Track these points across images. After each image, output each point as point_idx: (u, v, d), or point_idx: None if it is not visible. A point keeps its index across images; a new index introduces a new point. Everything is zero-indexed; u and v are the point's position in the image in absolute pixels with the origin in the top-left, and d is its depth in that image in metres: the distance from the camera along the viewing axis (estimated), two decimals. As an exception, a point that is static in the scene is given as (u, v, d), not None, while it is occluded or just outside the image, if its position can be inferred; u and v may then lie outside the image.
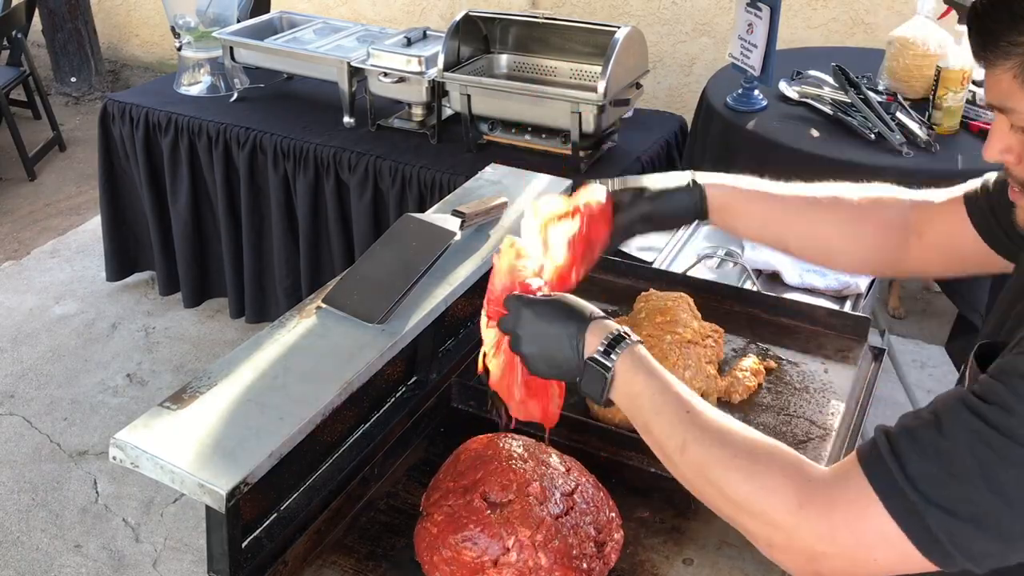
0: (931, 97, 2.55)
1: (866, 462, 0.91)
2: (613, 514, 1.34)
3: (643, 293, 1.80)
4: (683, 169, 3.07)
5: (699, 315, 1.75)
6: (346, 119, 3.17)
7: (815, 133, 2.51)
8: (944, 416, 0.88)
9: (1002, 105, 0.96)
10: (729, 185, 1.38)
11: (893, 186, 1.38)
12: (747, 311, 1.92)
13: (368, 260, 1.49)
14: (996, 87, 0.95)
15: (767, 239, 1.43)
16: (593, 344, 1.09)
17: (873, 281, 2.11)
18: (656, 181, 1.38)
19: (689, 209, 1.37)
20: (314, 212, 3.16)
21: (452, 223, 1.53)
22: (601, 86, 2.62)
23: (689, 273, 2.03)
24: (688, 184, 1.37)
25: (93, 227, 4.37)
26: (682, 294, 1.78)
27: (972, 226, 1.25)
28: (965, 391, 0.89)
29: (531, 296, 1.17)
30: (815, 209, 1.35)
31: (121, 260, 3.74)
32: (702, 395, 1.62)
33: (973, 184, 1.28)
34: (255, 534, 1.26)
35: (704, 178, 1.38)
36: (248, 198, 3.27)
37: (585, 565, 1.25)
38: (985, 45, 0.93)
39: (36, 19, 5.35)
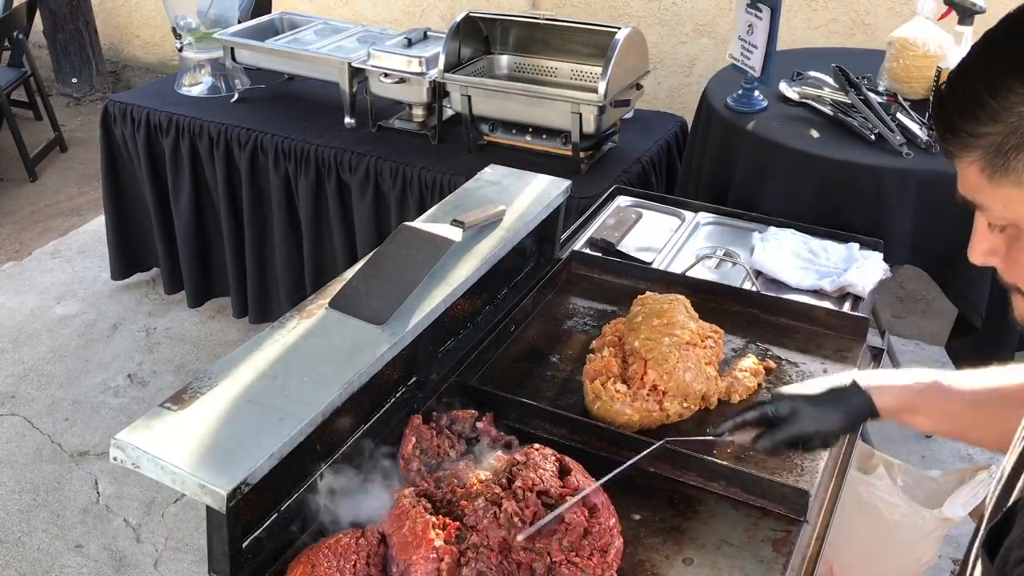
0: (931, 98, 2.55)
1: None
2: (613, 520, 1.34)
3: (639, 296, 1.80)
4: (683, 169, 3.07)
5: (696, 316, 1.75)
6: (347, 120, 3.17)
7: (815, 134, 2.51)
8: None
9: (974, 200, 0.87)
10: (898, 386, 1.27)
11: None
12: (746, 311, 1.92)
13: (371, 267, 1.50)
14: (965, 181, 0.86)
15: (949, 433, 1.34)
16: None
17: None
18: (815, 387, 1.31)
19: (857, 413, 1.28)
20: (316, 212, 3.17)
21: (453, 232, 1.55)
22: (601, 87, 2.62)
23: (688, 273, 2.04)
24: (851, 385, 1.29)
25: (94, 228, 4.38)
26: (678, 296, 1.78)
27: None
28: None
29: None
30: (1006, 404, 1.18)
31: (126, 259, 3.74)
32: (702, 396, 1.62)
33: None
34: (256, 534, 1.26)
35: (866, 380, 1.29)
36: (250, 199, 3.27)
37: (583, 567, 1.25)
38: (944, 135, 0.85)
39: (37, 20, 5.36)
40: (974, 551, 0.93)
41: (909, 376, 1.28)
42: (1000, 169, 0.81)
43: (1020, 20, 0.81)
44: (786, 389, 1.34)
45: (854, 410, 1.27)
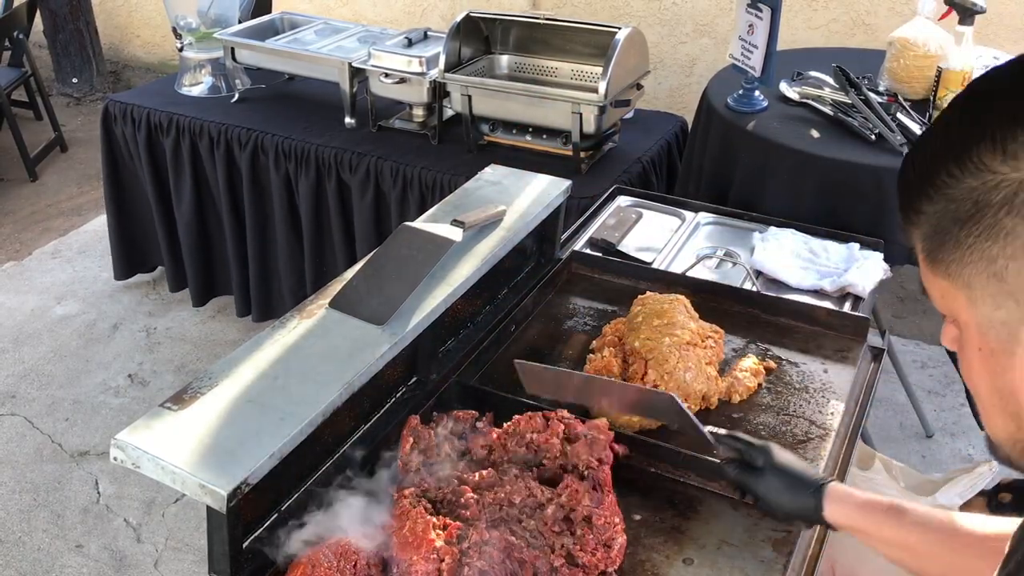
0: (932, 98, 2.55)
1: None
2: (618, 518, 1.34)
3: (639, 296, 1.80)
4: (683, 169, 3.05)
5: (696, 316, 1.75)
6: (347, 120, 3.17)
7: (815, 134, 2.51)
8: None
9: (924, 284, 0.81)
10: (857, 505, 1.23)
11: None
12: (747, 311, 1.92)
13: (371, 267, 1.50)
14: (920, 264, 0.81)
15: (898, 561, 1.27)
16: None
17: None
18: (796, 463, 1.29)
19: (802, 510, 1.26)
20: (317, 212, 3.17)
21: (453, 232, 1.55)
22: (602, 87, 2.62)
23: (688, 273, 2.04)
24: (816, 482, 1.25)
25: (94, 227, 4.38)
26: (678, 296, 1.78)
27: None
28: None
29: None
30: (961, 546, 1.15)
31: (128, 258, 3.74)
32: (702, 396, 1.62)
33: None
34: (256, 534, 1.26)
35: (836, 488, 1.25)
36: (251, 198, 3.27)
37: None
38: (899, 207, 0.80)
39: (38, 20, 5.36)
40: None
41: (875, 499, 1.24)
42: (932, 256, 0.77)
43: (962, 101, 0.77)
44: (776, 449, 1.30)
45: (799, 505, 1.25)
